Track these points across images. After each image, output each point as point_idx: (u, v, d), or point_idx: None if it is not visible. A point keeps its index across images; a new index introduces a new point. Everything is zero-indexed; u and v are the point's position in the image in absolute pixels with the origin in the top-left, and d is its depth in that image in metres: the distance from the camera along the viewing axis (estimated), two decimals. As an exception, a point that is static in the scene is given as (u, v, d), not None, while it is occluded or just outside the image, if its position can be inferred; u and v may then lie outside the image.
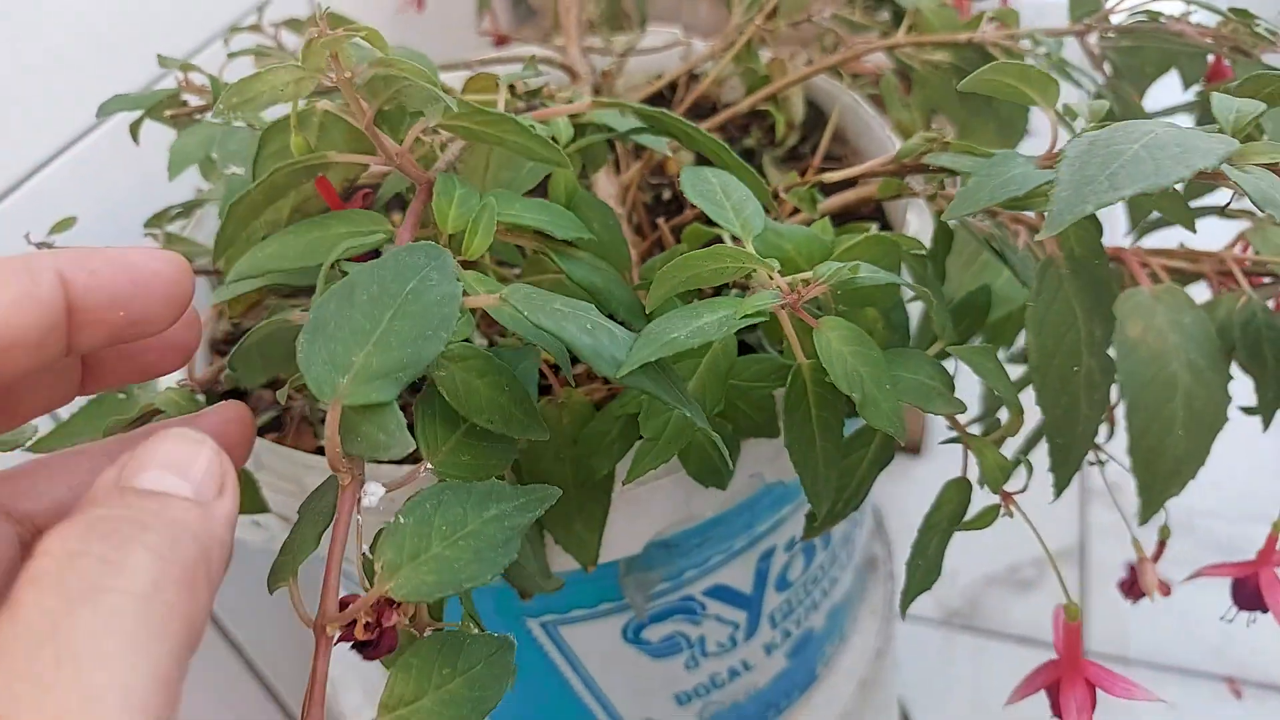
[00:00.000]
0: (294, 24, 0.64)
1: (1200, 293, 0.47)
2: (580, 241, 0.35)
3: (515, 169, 0.37)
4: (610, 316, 0.31)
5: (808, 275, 0.29)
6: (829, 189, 0.47)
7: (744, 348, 0.43)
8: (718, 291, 0.42)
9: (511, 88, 0.41)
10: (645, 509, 0.41)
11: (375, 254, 0.31)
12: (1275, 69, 0.32)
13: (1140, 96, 0.57)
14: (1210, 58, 0.53)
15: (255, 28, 0.64)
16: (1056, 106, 0.34)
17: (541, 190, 0.39)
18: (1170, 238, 0.48)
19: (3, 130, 0.53)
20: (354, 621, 0.24)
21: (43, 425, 0.42)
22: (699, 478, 0.39)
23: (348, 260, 0.32)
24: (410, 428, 0.25)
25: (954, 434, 0.35)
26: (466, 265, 0.31)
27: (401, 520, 0.25)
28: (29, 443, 0.40)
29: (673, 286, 0.31)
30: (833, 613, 0.59)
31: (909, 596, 0.34)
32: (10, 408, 0.25)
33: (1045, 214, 0.25)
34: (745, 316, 0.27)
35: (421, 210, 0.31)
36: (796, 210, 0.45)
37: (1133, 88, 0.53)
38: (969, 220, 0.40)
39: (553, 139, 0.39)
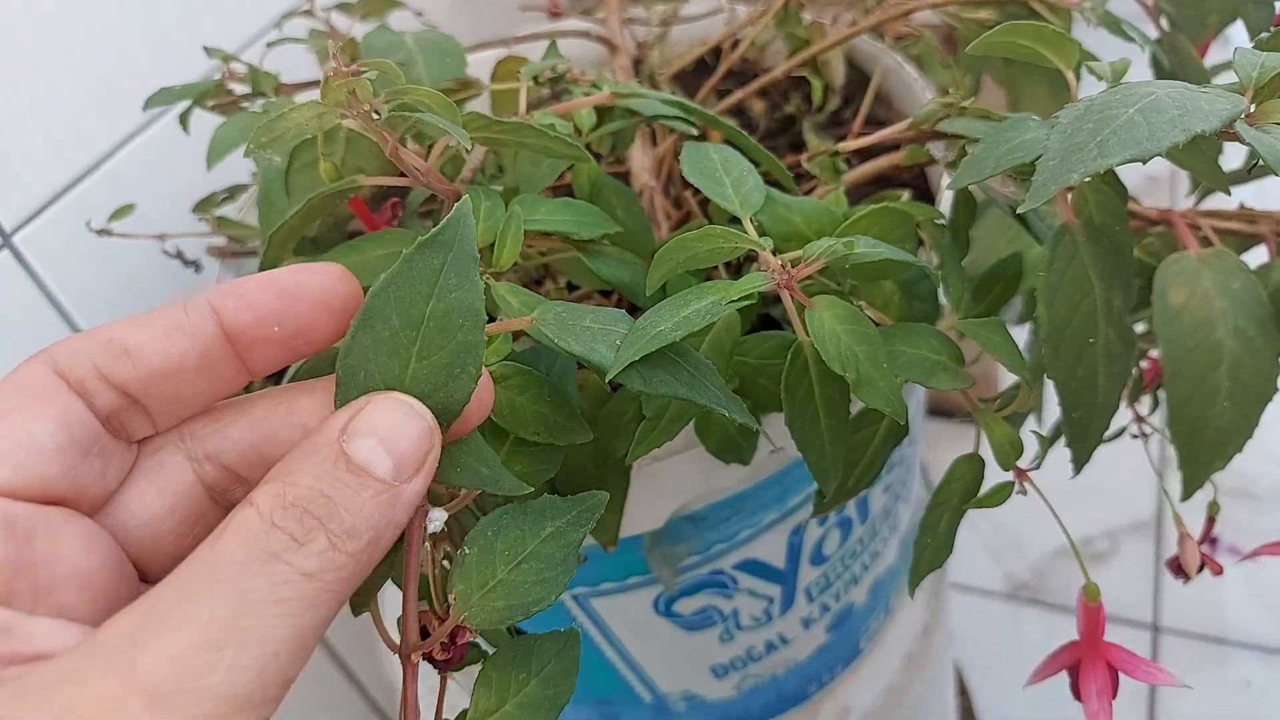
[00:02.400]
0: (345, 7, 0.65)
1: (1260, 256, 0.44)
2: (608, 236, 0.35)
3: (537, 162, 0.38)
4: (636, 308, 0.32)
5: (798, 254, 0.29)
6: (864, 156, 0.46)
7: (770, 322, 0.43)
8: (735, 267, 0.42)
9: (535, 78, 0.41)
10: (665, 484, 0.42)
11: None
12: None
13: (1204, 48, 0.54)
14: (1279, 5, 0.50)
15: (308, 13, 0.65)
16: (1074, 67, 0.33)
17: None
18: (1248, 193, 0.46)
19: (68, 122, 0.56)
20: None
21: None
22: (718, 454, 0.39)
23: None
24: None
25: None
26: (498, 275, 0.32)
27: (467, 551, 0.25)
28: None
29: (670, 269, 0.31)
30: (875, 587, 0.59)
31: (916, 576, 0.34)
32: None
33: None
34: (732, 301, 0.27)
35: (449, 225, 0.32)
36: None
37: (1192, 39, 0.50)
38: (992, 185, 0.38)
39: (576, 129, 0.39)
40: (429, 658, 0.26)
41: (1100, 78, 0.34)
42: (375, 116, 0.29)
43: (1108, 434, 0.51)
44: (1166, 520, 1.03)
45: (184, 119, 0.50)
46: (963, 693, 0.92)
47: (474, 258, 0.25)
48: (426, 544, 0.26)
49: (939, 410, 1.07)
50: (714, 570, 0.49)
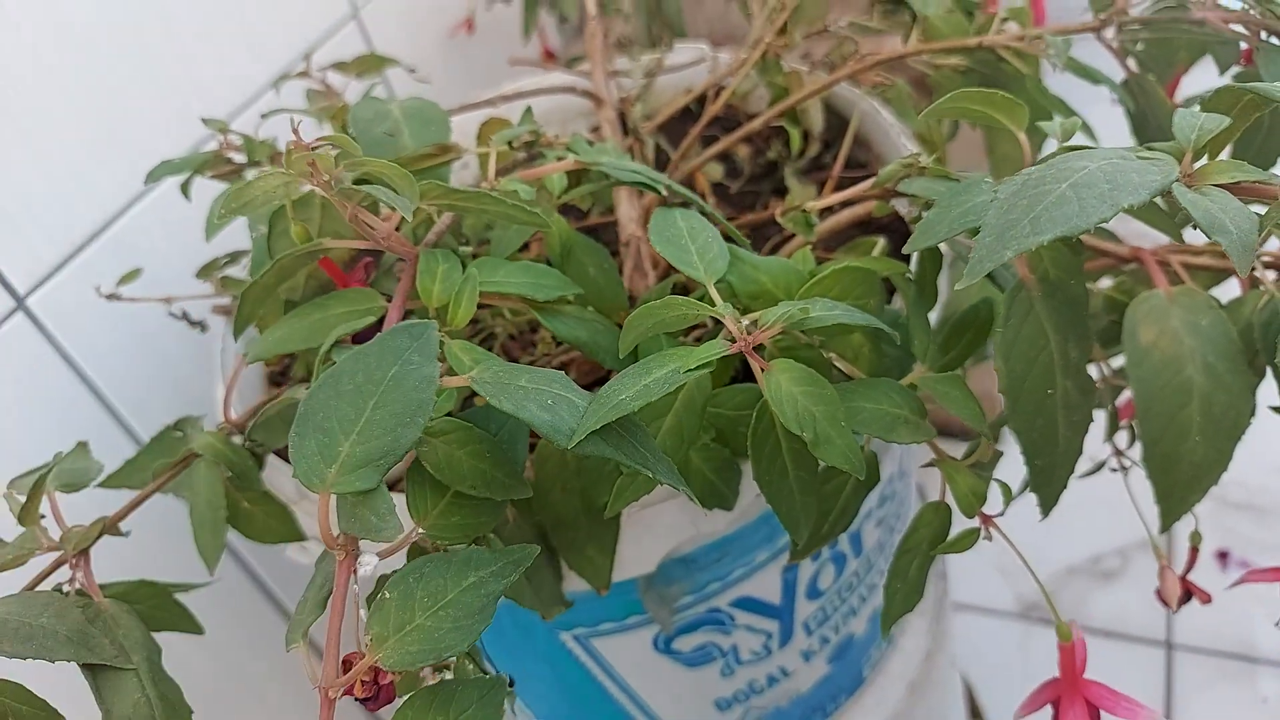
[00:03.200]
0: (340, 66, 0.67)
1: (1232, 290, 0.45)
2: (568, 297, 0.37)
3: (506, 226, 0.39)
4: (598, 366, 0.33)
5: (757, 316, 0.30)
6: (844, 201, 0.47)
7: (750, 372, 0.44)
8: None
9: (509, 144, 0.43)
10: (654, 530, 0.43)
11: (377, 328, 0.34)
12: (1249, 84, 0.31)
13: (1174, 85, 0.55)
14: (1243, 45, 0.51)
15: (304, 74, 0.67)
16: (1026, 128, 0.34)
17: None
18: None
19: (76, 186, 0.58)
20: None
21: (109, 464, 0.47)
22: (701, 501, 0.40)
23: (353, 338, 0.35)
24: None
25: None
26: (454, 335, 0.33)
27: (387, 595, 0.27)
28: (95, 481, 0.44)
29: (639, 334, 0.33)
30: (875, 617, 0.59)
31: (888, 620, 0.35)
32: None
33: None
34: (689, 371, 0.28)
35: (410, 286, 0.34)
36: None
37: (1160, 79, 0.52)
38: (957, 238, 0.40)
39: (547, 192, 0.41)
40: (354, 696, 0.27)
41: (1051, 135, 0.35)
42: (333, 186, 0.31)
43: (1087, 469, 0.52)
44: (1178, 536, 1.03)
45: (185, 188, 0.52)
46: (975, 713, 0.92)
47: (435, 347, 0.29)
48: (355, 586, 0.28)
49: (947, 430, 1.08)
50: (710, 608, 0.50)
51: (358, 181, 0.34)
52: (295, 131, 0.30)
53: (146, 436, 0.63)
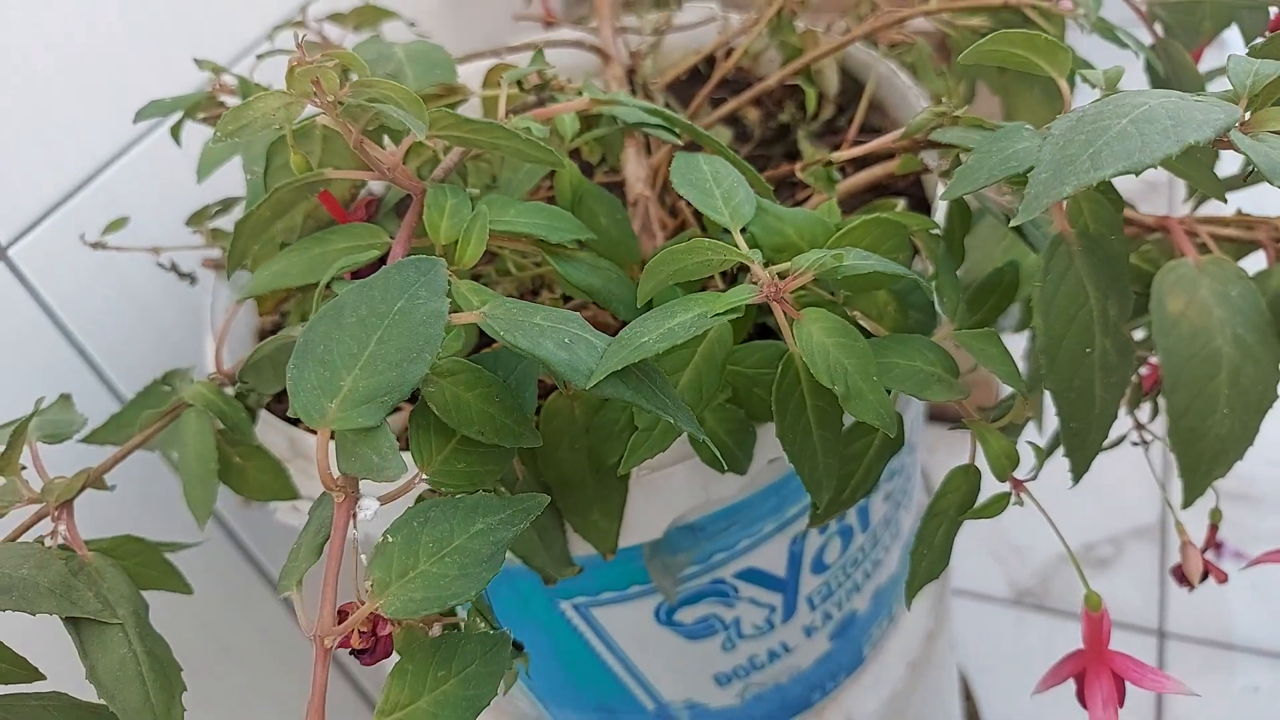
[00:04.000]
0: (338, 17, 0.65)
1: (1258, 262, 0.44)
2: (581, 242, 0.35)
3: (516, 168, 0.37)
4: (613, 316, 0.31)
5: (788, 265, 0.29)
6: (859, 164, 0.46)
7: (767, 330, 0.43)
8: (730, 277, 0.42)
9: (519, 83, 0.41)
10: (663, 494, 0.41)
11: (379, 264, 0.32)
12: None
13: (1198, 53, 0.54)
14: (1273, 10, 0.50)
15: (300, 24, 0.65)
16: (1068, 75, 0.33)
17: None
18: (1245, 199, 0.45)
19: (63, 134, 0.56)
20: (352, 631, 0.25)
21: (92, 421, 0.45)
22: (713, 464, 0.38)
23: (353, 275, 0.33)
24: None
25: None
26: (462, 275, 0.32)
27: (389, 539, 0.25)
28: (78, 435, 0.42)
29: (660, 281, 0.31)
30: (878, 594, 0.58)
31: (914, 586, 0.33)
32: None
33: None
34: (718, 314, 0.27)
35: (416, 222, 0.32)
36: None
37: (1186, 45, 0.50)
38: (987, 194, 0.38)
39: (558, 135, 0.39)
40: (349, 649, 0.26)
41: (1094, 85, 0.34)
42: (339, 106, 0.29)
43: (1107, 442, 0.50)
44: (1170, 525, 1.03)
45: (175, 131, 0.49)
46: (968, 697, 0.91)
47: (444, 284, 0.27)
48: (355, 531, 0.26)
49: (940, 415, 1.06)
50: (715, 579, 0.49)
51: (362, 103, 0.32)
52: (299, 46, 0.28)
53: (131, 393, 0.60)
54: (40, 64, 0.54)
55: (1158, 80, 0.50)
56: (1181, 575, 0.45)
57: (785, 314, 0.29)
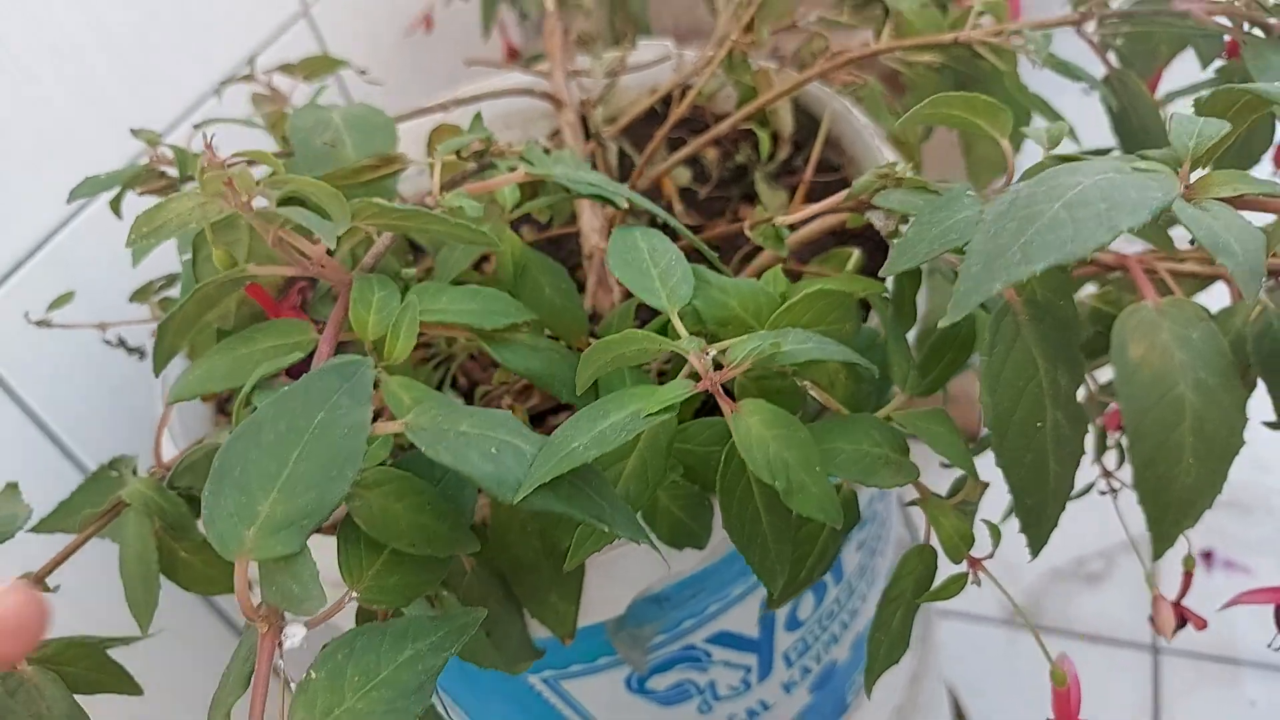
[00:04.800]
0: (287, 68, 0.64)
1: (1220, 296, 0.43)
2: (519, 324, 0.34)
3: (454, 246, 0.36)
4: (554, 399, 0.30)
5: (724, 347, 0.27)
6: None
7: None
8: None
9: (458, 153, 0.40)
10: (621, 572, 0.40)
11: (307, 363, 0.31)
12: (1249, 85, 0.29)
13: (1155, 80, 0.53)
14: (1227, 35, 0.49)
15: (249, 78, 0.64)
16: (1009, 134, 0.32)
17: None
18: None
19: (8, 203, 0.55)
20: None
21: (38, 508, 0.43)
22: (670, 541, 0.37)
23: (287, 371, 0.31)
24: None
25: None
26: (392, 370, 0.30)
27: (314, 675, 0.24)
28: (27, 526, 0.41)
29: (596, 370, 0.30)
30: (858, 643, 0.57)
31: (872, 675, 0.32)
32: None
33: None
34: (650, 415, 0.26)
35: (343, 317, 0.31)
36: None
37: (1141, 74, 0.49)
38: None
39: (498, 206, 0.38)
40: None
41: (1037, 143, 0.33)
42: (251, 208, 0.28)
43: (1074, 492, 0.49)
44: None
45: (114, 204, 0.48)
46: (959, 717, 0.90)
47: (368, 389, 0.25)
48: (281, 661, 0.25)
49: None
50: (685, 646, 0.47)
51: (284, 201, 0.31)
52: (208, 147, 0.27)
53: (94, 464, 0.59)
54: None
55: (1113, 115, 0.49)
56: (1158, 624, 0.44)
57: (724, 406, 0.28)
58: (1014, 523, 0.35)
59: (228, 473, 0.25)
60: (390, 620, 0.26)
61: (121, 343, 0.53)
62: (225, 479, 0.25)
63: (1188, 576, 0.43)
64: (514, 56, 0.95)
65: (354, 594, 0.27)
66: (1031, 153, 0.35)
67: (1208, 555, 0.97)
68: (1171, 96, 0.53)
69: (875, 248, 0.49)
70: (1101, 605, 0.97)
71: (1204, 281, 0.45)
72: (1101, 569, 0.99)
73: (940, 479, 0.38)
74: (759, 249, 0.53)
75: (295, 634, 0.25)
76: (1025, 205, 0.24)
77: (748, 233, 0.42)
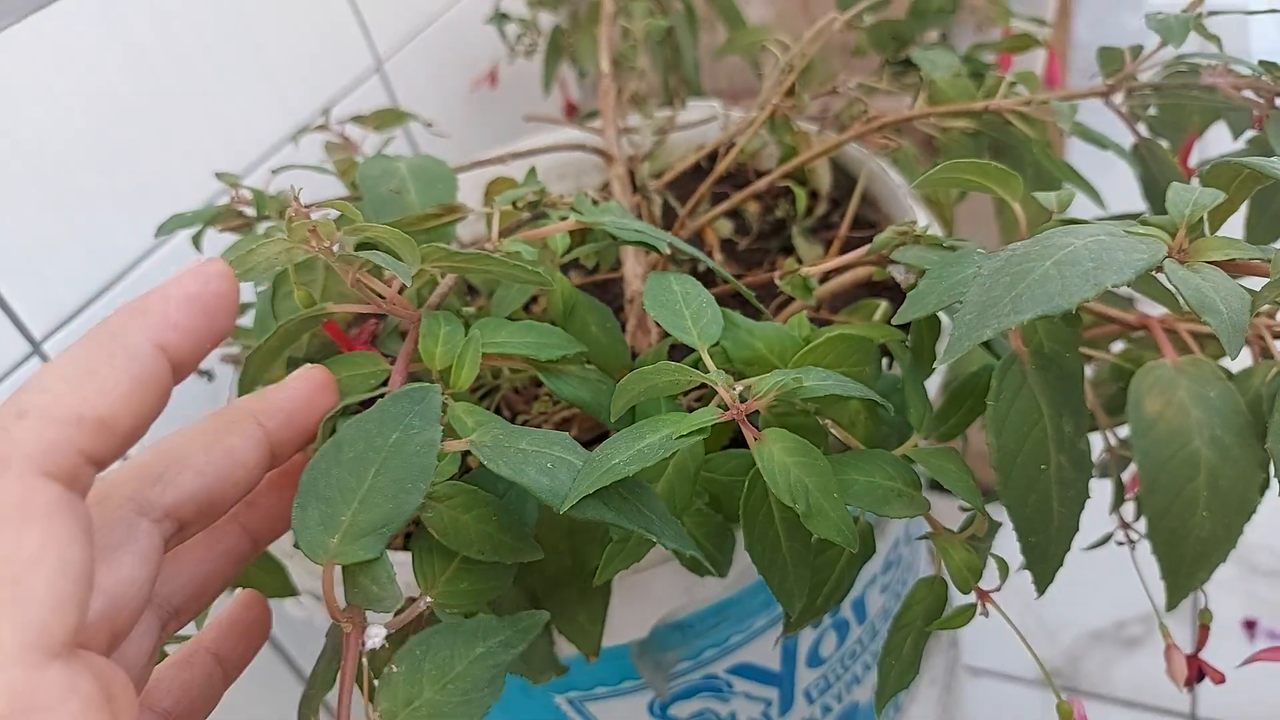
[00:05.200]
0: (359, 119, 0.68)
1: (1242, 360, 0.44)
2: (570, 356, 0.37)
3: (509, 285, 0.40)
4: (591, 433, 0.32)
5: (750, 382, 0.30)
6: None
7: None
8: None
9: (514, 203, 0.43)
10: (647, 595, 0.42)
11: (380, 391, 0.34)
12: (1246, 159, 0.31)
13: (1187, 149, 0.55)
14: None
15: (323, 127, 0.69)
16: (1020, 198, 0.34)
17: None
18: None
19: (98, 231, 0.60)
20: None
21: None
22: (693, 568, 0.39)
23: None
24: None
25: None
26: (458, 397, 0.33)
27: (394, 668, 0.27)
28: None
29: (631, 398, 0.32)
30: (880, 685, 0.58)
31: (883, 698, 0.34)
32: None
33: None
34: (681, 437, 0.28)
35: (413, 349, 0.34)
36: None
37: (1173, 144, 0.51)
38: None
39: (550, 251, 0.41)
40: None
41: (1048, 207, 0.35)
42: (334, 252, 0.31)
43: (1093, 542, 0.50)
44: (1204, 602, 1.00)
45: (196, 240, 0.52)
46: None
47: (438, 412, 0.28)
48: (364, 659, 0.27)
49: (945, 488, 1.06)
50: (707, 675, 0.49)
51: (359, 247, 0.35)
52: (296, 199, 0.31)
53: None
54: (76, 167, 0.58)
55: (1143, 179, 0.51)
56: (1180, 677, 0.45)
57: (748, 434, 0.31)
58: (1057, 585, 0.36)
59: (313, 487, 0.27)
60: (462, 619, 0.28)
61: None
62: (311, 493, 0.27)
63: (1204, 629, 0.44)
64: (572, 113, 0.99)
65: (429, 598, 0.30)
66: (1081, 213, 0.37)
67: (1250, 625, 0.96)
68: (1205, 164, 0.55)
69: (902, 300, 0.52)
70: (1140, 670, 0.95)
71: (1224, 343, 0.46)
72: (1141, 633, 0.98)
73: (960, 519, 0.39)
74: (792, 299, 0.56)
75: (376, 635, 0.28)
76: (1019, 262, 0.26)
77: (778, 282, 0.45)
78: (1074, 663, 0.99)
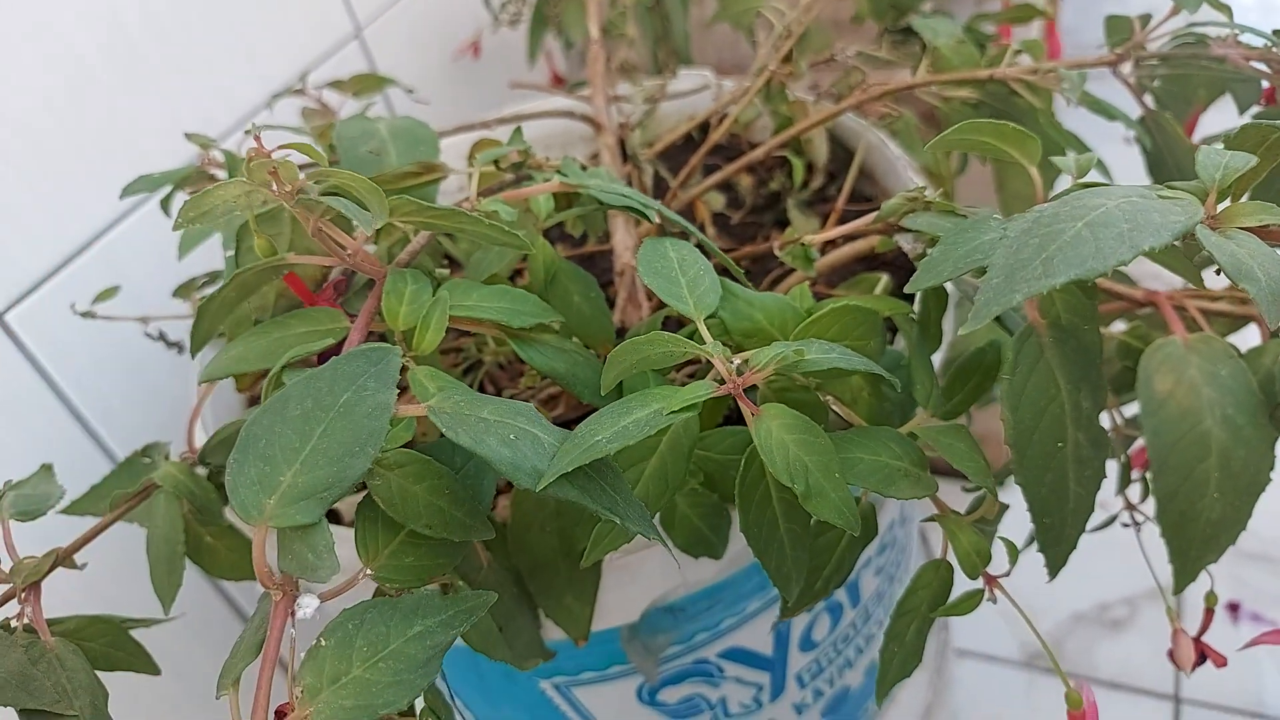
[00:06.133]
0: (338, 84, 0.66)
1: (1250, 337, 0.43)
2: (547, 324, 0.35)
3: (487, 249, 0.37)
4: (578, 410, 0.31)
5: (748, 355, 0.28)
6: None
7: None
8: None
9: (496, 162, 0.41)
10: (638, 578, 0.41)
11: (337, 349, 0.32)
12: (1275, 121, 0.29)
13: (1192, 123, 0.53)
14: (1265, 81, 0.50)
15: (300, 92, 0.66)
16: (1038, 162, 0.32)
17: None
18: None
19: (63, 201, 0.57)
20: None
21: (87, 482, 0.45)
22: (686, 549, 0.38)
23: (319, 358, 0.32)
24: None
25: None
26: (421, 360, 0.31)
27: (323, 642, 0.25)
28: (57, 508, 0.42)
29: (622, 371, 0.31)
30: (872, 669, 0.57)
31: (884, 686, 0.32)
32: None
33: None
34: (673, 413, 0.26)
35: (375, 307, 0.32)
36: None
37: (1178, 117, 0.50)
38: (964, 278, 0.38)
39: (532, 214, 0.39)
40: None
41: (1065, 171, 0.33)
42: (295, 197, 0.29)
43: (1097, 523, 0.49)
44: (1190, 591, 1.00)
45: (165, 203, 0.50)
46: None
47: (395, 374, 0.26)
48: (293, 631, 0.25)
49: (944, 470, 1.05)
50: (698, 659, 0.47)
51: (325, 194, 0.33)
52: (257, 139, 0.28)
53: (126, 456, 0.61)
54: (38, 130, 0.55)
55: (1147, 153, 0.49)
56: (1179, 658, 0.44)
57: (746, 409, 0.29)
58: (1036, 568, 0.35)
59: (253, 443, 0.25)
60: (401, 597, 0.26)
61: (161, 336, 0.55)
62: (250, 449, 0.25)
63: (1209, 613, 0.43)
64: (558, 83, 0.96)
65: (368, 571, 0.28)
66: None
67: (1234, 607, 0.95)
68: (1209, 140, 0.54)
69: (904, 275, 0.50)
70: (1124, 652, 0.95)
71: (1236, 322, 0.45)
72: (1125, 615, 0.98)
73: (962, 502, 0.38)
74: (788, 272, 0.54)
75: (308, 604, 0.26)
76: (1049, 223, 0.24)
77: (777, 253, 0.43)
78: (1057, 645, 0.99)
